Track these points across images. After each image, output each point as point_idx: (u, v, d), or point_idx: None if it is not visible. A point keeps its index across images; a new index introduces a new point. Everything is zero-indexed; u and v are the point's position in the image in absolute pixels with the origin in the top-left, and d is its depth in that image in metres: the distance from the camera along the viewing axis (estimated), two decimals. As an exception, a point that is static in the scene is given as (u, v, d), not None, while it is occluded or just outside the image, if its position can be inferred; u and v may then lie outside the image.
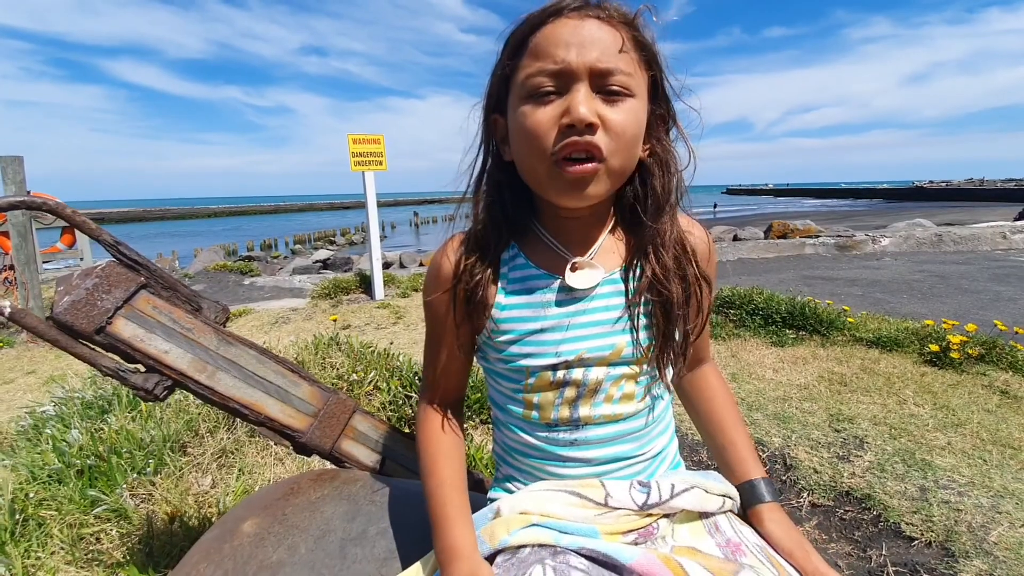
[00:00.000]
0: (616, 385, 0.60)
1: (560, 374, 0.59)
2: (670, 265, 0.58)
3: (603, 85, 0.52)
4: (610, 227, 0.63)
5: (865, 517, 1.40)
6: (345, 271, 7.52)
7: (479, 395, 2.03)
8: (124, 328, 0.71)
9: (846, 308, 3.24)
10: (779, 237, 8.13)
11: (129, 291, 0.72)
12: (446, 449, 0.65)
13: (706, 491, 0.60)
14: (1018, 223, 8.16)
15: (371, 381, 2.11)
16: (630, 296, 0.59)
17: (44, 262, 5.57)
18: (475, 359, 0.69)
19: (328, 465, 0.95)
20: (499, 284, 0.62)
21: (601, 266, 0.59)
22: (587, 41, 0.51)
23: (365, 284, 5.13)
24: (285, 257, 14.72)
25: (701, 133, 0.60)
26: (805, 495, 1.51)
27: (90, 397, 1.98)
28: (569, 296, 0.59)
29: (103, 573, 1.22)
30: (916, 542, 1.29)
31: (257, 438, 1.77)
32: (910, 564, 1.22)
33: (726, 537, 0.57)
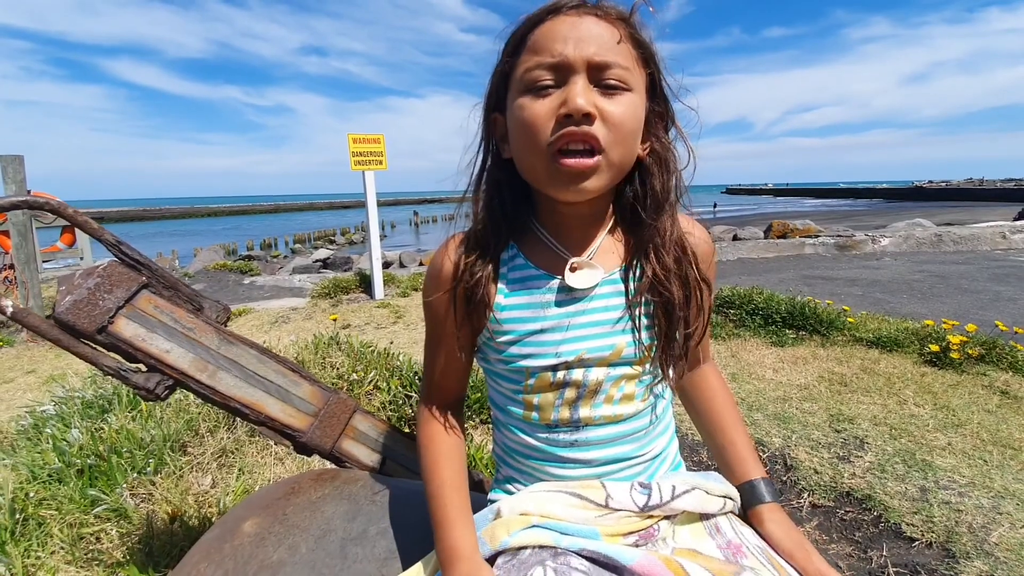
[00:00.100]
0: (616, 386, 0.60)
1: (560, 375, 0.59)
2: (670, 265, 0.58)
3: (601, 78, 0.52)
4: (609, 227, 0.63)
5: (866, 518, 1.40)
6: (345, 270, 7.52)
7: (479, 395, 2.03)
8: (126, 327, 0.71)
9: (846, 308, 3.24)
10: (779, 237, 8.13)
11: (131, 291, 0.72)
12: (447, 450, 0.65)
13: (707, 492, 0.59)
14: (1018, 223, 8.17)
15: (371, 381, 2.11)
16: (630, 296, 0.59)
17: (44, 261, 5.56)
18: (475, 360, 0.69)
19: (328, 465, 0.95)
20: (499, 284, 0.61)
21: (600, 266, 0.59)
22: (585, 36, 0.52)
23: (365, 283, 5.13)
24: (285, 256, 14.72)
25: (699, 133, 0.61)
26: (805, 496, 1.51)
27: (90, 396, 1.98)
28: (569, 296, 0.59)
29: (103, 573, 1.22)
30: (917, 543, 1.29)
31: (257, 438, 1.77)
32: (911, 565, 1.22)
33: (727, 539, 0.57)
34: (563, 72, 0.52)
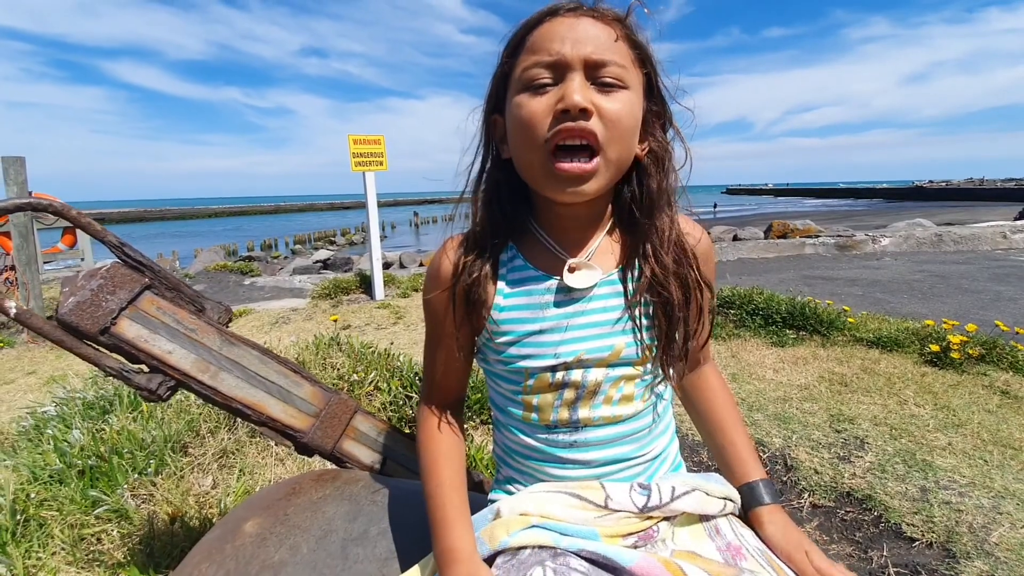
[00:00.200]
0: (615, 386, 0.60)
1: (559, 375, 0.59)
2: (669, 265, 0.59)
3: (597, 76, 0.53)
4: (607, 228, 0.63)
5: (866, 518, 1.40)
6: (345, 271, 7.53)
7: (479, 396, 2.04)
8: (128, 329, 0.72)
9: (846, 308, 3.24)
10: (779, 237, 8.13)
11: (133, 292, 0.72)
12: (446, 450, 0.65)
13: (707, 494, 0.60)
14: (1018, 223, 8.16)
15: (372, 381, 2.11)
16: (629, 297, 0.59)
17: (45, 262, 5.57)
18: (475, 360, 0.69)
19: (329, 465, 0.96)
20: (498, 284, 0.62)
21: (598, 267, 0.60)
22: (581, 36, 0.53)
23: (365, 284, 5.13)
24: (285, 257, 14.73)
25: (695, 133, 0.61)
26: (806, 496, 1.51)
27: (91, 397, 1.98)
28: (567, 297, 0.60)
29: (104, 573, 1.22)
30: (917, 543, 1.29)
31: (258, 438, 1.77)
32: (911, 565, 1.22)
33: (726, 540, 0.57)
34: (560, 70, 0.53)
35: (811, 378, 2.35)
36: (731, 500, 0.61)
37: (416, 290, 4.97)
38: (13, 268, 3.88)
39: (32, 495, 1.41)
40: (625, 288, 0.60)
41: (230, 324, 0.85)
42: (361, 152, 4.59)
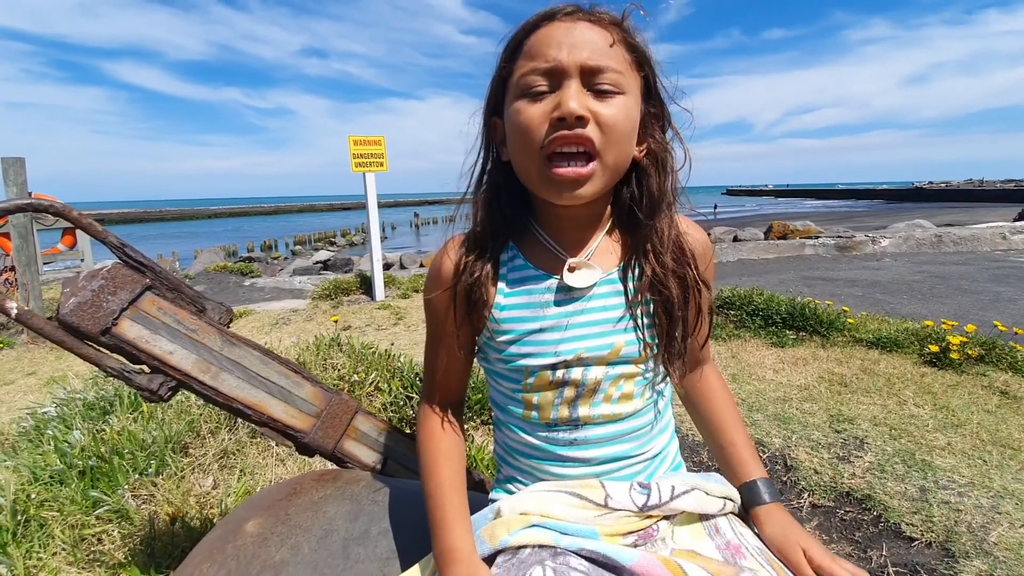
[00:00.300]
0: (615, 385, 0.60)
1: (559, 373, 0.60)
2: (669, 265, 0.59)
3: (594, 83, 0.53)
4: (607, 228, 0.63)
5: (865, 518, 1.40)
6: (345, 272, 7.53)
7: (480, 396, 2.04)
8: (129, 329, 0.72)
9: (846, 309, 3.24)
10: (779, 238, 8.13)
11: (134, 292, 0.73)
12: (446, 450, 0.65)
13: (706, 493, 0.60)
14: (1017, 224, 8.17)
15: (372, 382, 2.12)
16: (630, 296, 0.60)
17: (45, 263, 5.57)
18: (476, 360, 0.69)
19: (330, 465, 0.96)
20: (498, 284, 0.62)
21: (598, 266, 0.60)
22: (578, 41, 0.53)
23: (366, 285, 5.13)
24: (285, 258, 14.74)
25: (693, 134, 0.62)
26: (806, 496, 1.51)
27: (92, 398, 1.98)
28: (567, 296, 0.60)
29: (105, 574, 1.22)
30: (916, 542, 1.29)
31: (259, 439, 1.77)
32: (910, 564, 1.22)
33: (726, 539, 0.57)
34: (557, 77, 0.53)
35: (811, 378, 2.35)
36: (730, 499, 0.62)
37: (416, 291, 4.97)
38: (13, 269, 3.89)
39: (33, 496, 1.41)
40: (625, 287, 0.60)
41: (231, 325, 0.85)
42: (361, 153, 4.59)
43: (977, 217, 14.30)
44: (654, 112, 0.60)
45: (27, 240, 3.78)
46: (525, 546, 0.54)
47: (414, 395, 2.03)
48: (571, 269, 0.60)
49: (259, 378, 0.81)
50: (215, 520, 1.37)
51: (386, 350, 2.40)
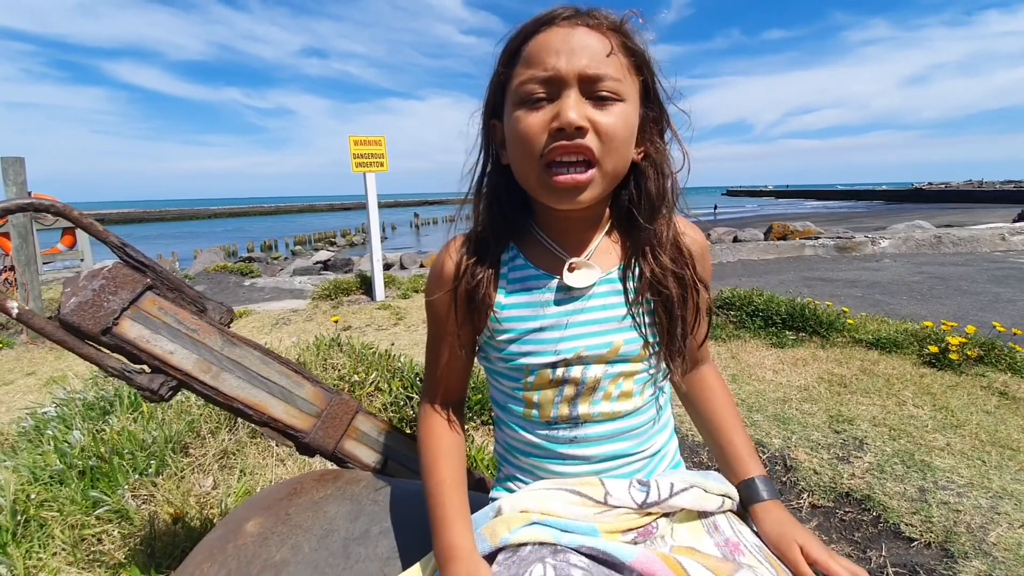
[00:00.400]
0: (614, 383, 0.61)
1: (559, 372, 0.60)
2: (668, 264, 0.60)
3: (592, 91, 0.53)
4: (606, 229, 0.64)
5: (865, 518, 1.40)
6: (345, 272, 7.53)
7: (480, 396, 2.04)
8: (130, 329, 0.72)
9: (846, 309, 3.25)
10: (779, 239, 8.14)
11: (135, 292, 0.73)
12: (447, 449, 0.66)
13: (705, 491, 0.60)
14: (1017, 225, 8.18)
15: (372, 382, 2.12)
16: (631, 295, 0.60)
17: (44, 263, 5.57)
18: (476, 359, 0.70)
19: (330, 465, 0.96)
20: (499, 284, 0.63)
21: (598, 266, 0.61)
22: (576, 48, 0.53)
23: (366, 285, 5.14)
24: (285, 258, 14.74)
25: (692, 135, 0.62)
26: (805, 496, 1.52)
27: (91, 398, 1.98)
28: (567, 295, 0.61)
29: (105, 574, 1.22)
30: (915, 543, 1.29)
31: (259, 439, 1.77)
32: (909, 565, 1.22)
33: (725, 537, 0.58)
34: (556, 86, 0.53)
35: (810, 379, 2.36)
36: (729, 497, 0.62)
37: (416, 291, 4.97)
38: (12, 269, 3.89)
39: (33, 496, 1.41)
40: (625, 287, 0.61)
41: (231, 325, 0.85)
42: (362, 153, 4.59)
43: (976, 218, 14.32)
44: (653, 115, 0.60)
45: (27, 240, 3.78)
46: (526, 544, 0.54)
47: (414, 395, 2.03)
48: (571, 269, 0.60)
49: (260, 378, 0.81)
50: (215, 520, 1.37)
51: (386, 350, 2.40)
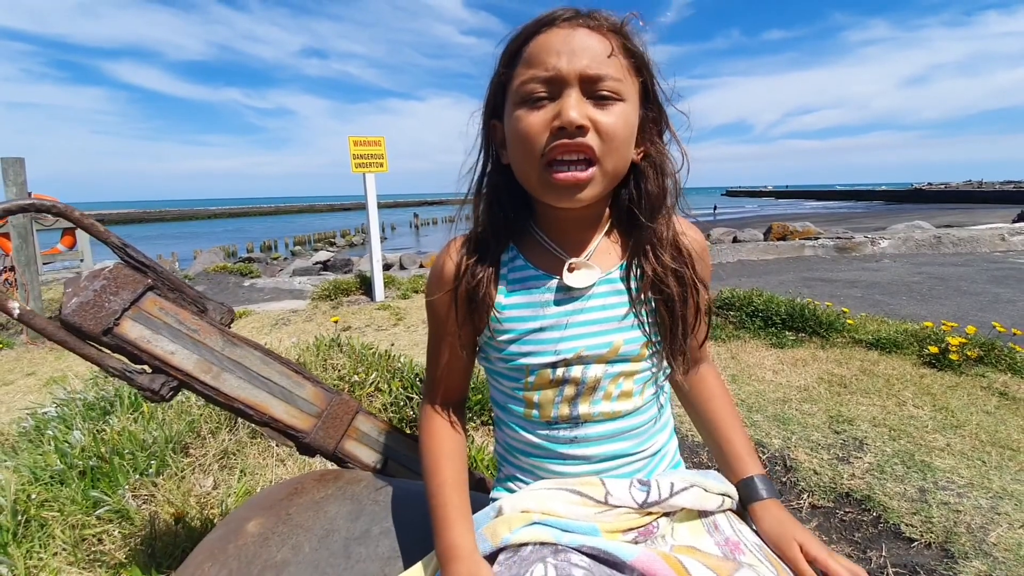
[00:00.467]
0: (614, 383, 0.61)
1: (559, 372, 0.60)
2: (668, 264, 0.60)
3: (593, 90, 0.54)
4: (606, 229, 0.64)
5: (865, 518, 1.40)
6: (345, 272, 7.53)
7: (480, 396, 2.04)
8: (131, 329, 0.72)
9: (845, 310, 3.25)
10: (778, 239, 8.14)
11: (136, 293, 0.73)
12: (448, 449, 0.66)
13: (705, 490, 0.60)
14: (1017, 225, 8.18)
15: (372, 382, 2.12)
16: (633, 294, 0.61)
17: (44, 263, 5.57)
18: (476, 360, 0.70)
19: (331, 466, 0.96)
20: (499, 284, 0.63)
21: (597, 266, 0.61)
22: (577, 49, 0.53)
23: (365, 286, 5.14)
24: (285, 259, 14.74)
25: (692, 136, 0.63)
26: (805, 496, 1.52)
27: (92, 398, 1.98)
28: (567, 295, 0.61)
29: (105, 574, 1.22)
30: (916, 543, 1.29)
31: (259, 439, 1.77)
32: (910, 565, 1.22)
33: (725, 536, 0.58)
34: (557, 85, 0.54)
35: (810, 379, 2.36)
36: (729, 496, 0.62)
37: (416, 291, 4.97)
38: (12, 269, 3.89)
39: (33, 496, 1.41)
40: (625, 286, 0.61)
41: (231, 325, 0.85)
42: (362, 154, 4.60)
43: (976, 218, 14.33)
44: (652, 116, 0.61)
45: (27, 240, 3.78)
46: (527, 543, 0.55)
47: (414, 395, 2.03)
48: (571, 269, 0.61)
49: (260, 378, 0.81)
50: (216, 520, 1.37)
51: (386, 351, 2.40)
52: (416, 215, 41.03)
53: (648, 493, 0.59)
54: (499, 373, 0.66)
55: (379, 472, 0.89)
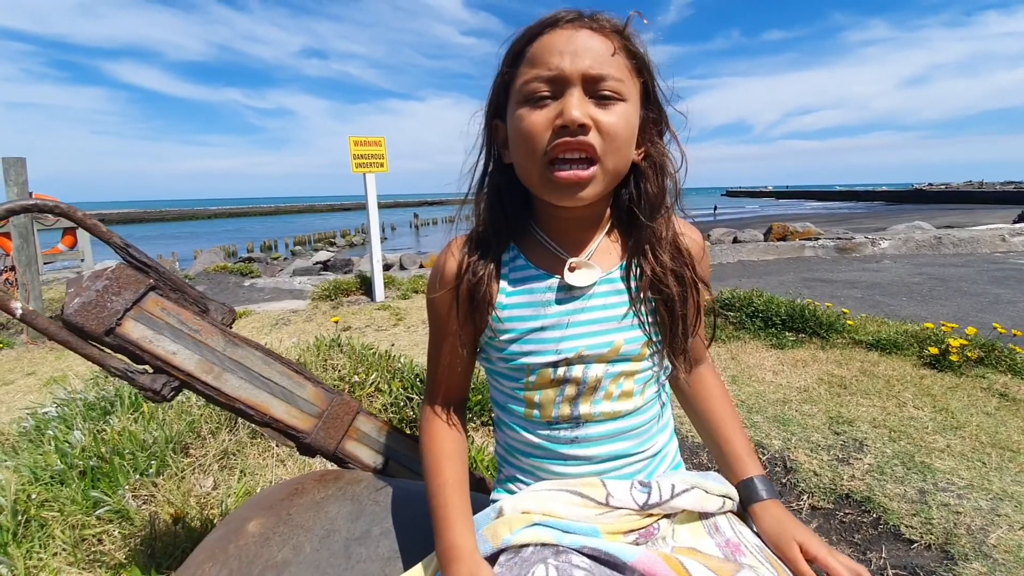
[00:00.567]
0: (615, 383, 0.61)
1: (560, 371, 0.61)
2: (667, 263, 0.61)
3: (595, 90, 0.55)
4: (606, 229, 0.65)
5: (865, 520, 1.40)
6: (345, 273, 7.53)
7: (480, 397, 2.04)
8: (133, 329, 0.72)
9: (845, 311, 3.25)
10: (779, 239, 8.14)
11: (138, 293, 0.73)
12: (449, 450, 0.66)
13: (706, 491, 0.61)
14: (1017, 226, 8.18)
15: (372, 383, 2.12)
16: (633, 294, 0.61)
17: (45, 263, 5.57)
18: (477, 360, 0.70)
19: (331, 466, 0.96)
20: (500, 283, 0.63)
21: (598, 266, 0.61)
22: (580, 49, 0.54)
23: (365, 286, 5.14)
24: (285, 259, 14.74)
25: (692, 136, 0.63)
26: (805, 498, 1.52)
27: (92, 398, 1.98)
28: (568, 295, 0.61)
29: (105, 574, 1.22)
30: (916, 545, 1.29)
31: (259, 439, 1.78)
32: (910, 567, 1.22)
33: (725, 537, 0.58)
34: (560, 84, 0.54)
35: (810, 380, 2.36)
36: (729, 498, 0.62)
37: (416, 291, 4.98)
38: (13, 269, 3.89)
39: (33, 496, 1.41)
40: (627, 286, 0.62)
41: (232, 325, 0.85)
42: (362, 154, 4.60)
43: (976, 219, 14.33)
44: (653, 117, 0.61)
45: (28, 240, 3.79)
46: (527, 544, 0.55)
47: (414, 396, 2.03)
48: (571, 269, 0.61)
49: (261, 379, 0.81)
50: (216, 521, 1.37)
51: (386, 351, 2.40)
52: (416, 215, 41.04)
53: (649, 495, 0.59)
54: (500, 373, 0.66)
55: (380, 472, 0.89)
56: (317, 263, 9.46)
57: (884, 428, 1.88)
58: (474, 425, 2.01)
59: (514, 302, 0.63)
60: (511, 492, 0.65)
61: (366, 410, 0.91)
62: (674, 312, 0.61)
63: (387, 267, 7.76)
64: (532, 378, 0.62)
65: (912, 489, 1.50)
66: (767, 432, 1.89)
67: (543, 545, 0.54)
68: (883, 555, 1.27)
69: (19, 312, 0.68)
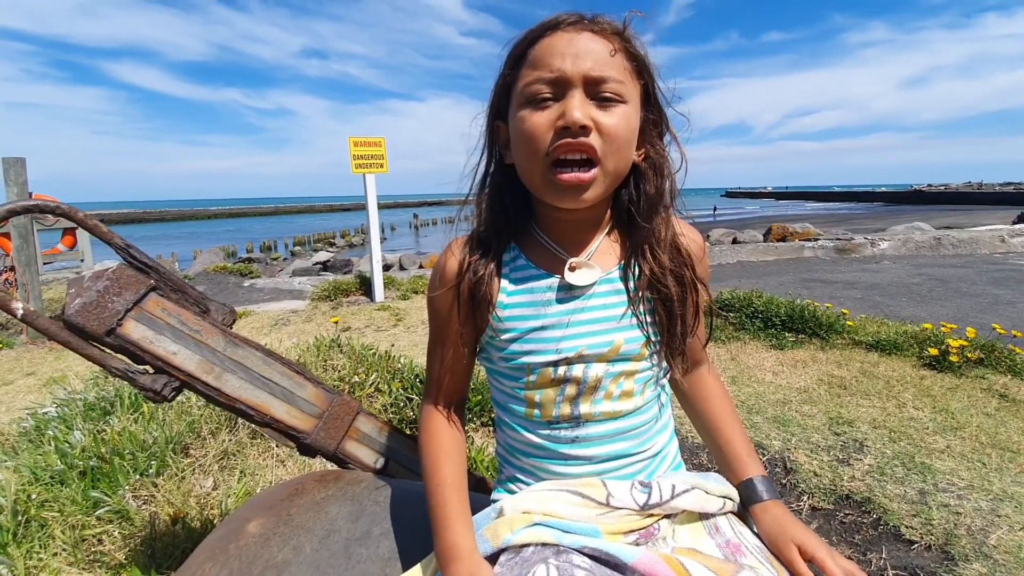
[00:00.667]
0: (615, 382, 0.61)
1: (561, 371, 0.61)
2: (666, 263, 0.61)
3: (597, 92, 0.55)
4: (606, 230, 0.65)
5: (865, 520, 1.40)
6: (345, 273, 7.53)
7: (480, 397, 2.04)
8: (134, 330, 0.72)
9: (845, 311, 3.25)
10: (778, 240, 8.15)
11: (139, 293, 0.73)
12: (448, 449, 0.66)
13: (706, 492, 0.61)
14: (1016, 226, 8.19)
15: (372, 383, 2.12)
16: (631, 294, 0.61)
17: (44, 263, 5.57)
18: (477, 360, 0.70)
19: (331, 466, 0.96)
20: (501, 283, 0.64)
21: (598, 266, 0.62)
22: (582, 52, 0.55)
23: (365, 286, 5.14)
24: (285, 259, 14.73)
25: (692, 137, 0.64)
26: (805, 498, 1.52)
27: (92, 398, 1.98)
28: (568, 294, 0.62)
29: (105, 574, 1.22)
30: (916, 545, 1.29)
31: (259, 440, 1.78)
32: (910, 567, 1.22)
33: (726, 538, 0.58)
34: (561, 86, 0.55)
35: (810, 381, 2.36)
36: (730, 498, 0.62)
37: (416, 292, 4.98)
38: (13, 269, 3.89)
39: (33, 496, 1.41)
40: (625, 286, 0.62)
41: (232, 326, 0.85)
42: (362, 154, 4.60)
43: (976, 220, 14.33)
44: (653, 118, 0.62)
45: (27, 240, 3.78)
46: (528, 544, 0.55)
47: (414, 396, 2.03)
48: (572, 268, 0.61)
49: (262, 379, 0.81)
50: (216, 521, 1.37)
51: (386, 351, 2.40)
52: (416, 216, 41.06)
53: (649, 495, 0.59)
54: (500, 373, 0.66)
55: (380, 473, 0.89)
56: (317, 263, 9.46)
57: (884, 429, 1.88)
58: (474, 425, 2.01)
59: (515, 301, 0.63)
60: (512, 492, 0.66)
61: (366, 410, 0.91)
62: (672, 312, 0.61)
63: (387, 267, 7.77)
64: (532, 377, 0.62)
65: (912, 490, 1.50)
66: (767, 433, 1.89)
67: (544, 545, 0.54)
68: (883, 556, 1.27)
69: (20, 312, 0.68)
